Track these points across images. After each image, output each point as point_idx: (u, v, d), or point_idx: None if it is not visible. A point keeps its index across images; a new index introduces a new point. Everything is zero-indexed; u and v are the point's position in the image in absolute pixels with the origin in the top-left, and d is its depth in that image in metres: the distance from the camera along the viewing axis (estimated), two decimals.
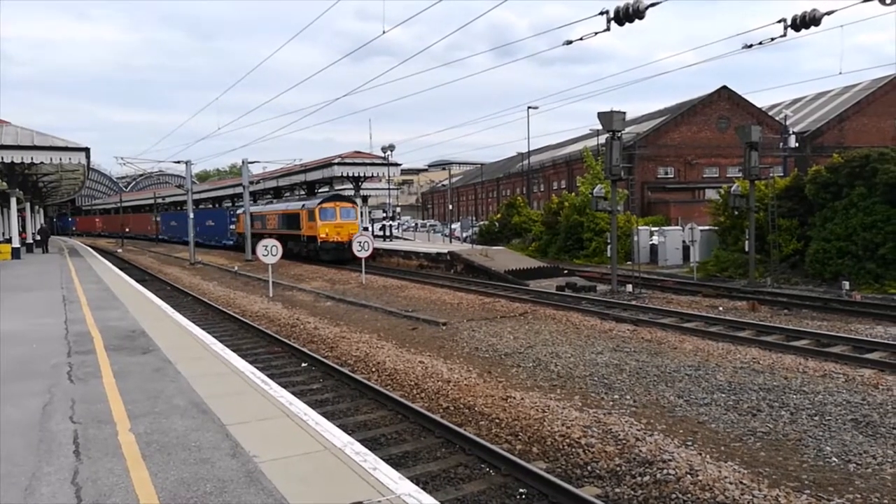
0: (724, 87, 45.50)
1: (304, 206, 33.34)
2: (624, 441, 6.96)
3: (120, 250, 49.65)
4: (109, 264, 28.23)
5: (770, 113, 47.32)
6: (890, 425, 7.35)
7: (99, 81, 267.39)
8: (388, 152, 38.60)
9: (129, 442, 5.33)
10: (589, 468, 6.51)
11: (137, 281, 21.37)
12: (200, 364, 8.38)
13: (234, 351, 9.94)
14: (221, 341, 10.83)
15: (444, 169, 77.99)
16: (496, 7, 21.76)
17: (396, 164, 38.46)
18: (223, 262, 34.63)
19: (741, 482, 5.91)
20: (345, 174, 35.15)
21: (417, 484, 6.21)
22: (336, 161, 35.02)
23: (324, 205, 31.53)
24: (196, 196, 53.73)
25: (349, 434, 6.56)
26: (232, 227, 43.51)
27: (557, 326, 13.82)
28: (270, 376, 9.16)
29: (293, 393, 8.05)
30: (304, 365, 11.20)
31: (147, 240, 65.96)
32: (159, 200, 68.16)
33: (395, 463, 6.73)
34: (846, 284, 17.70)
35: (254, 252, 25.43)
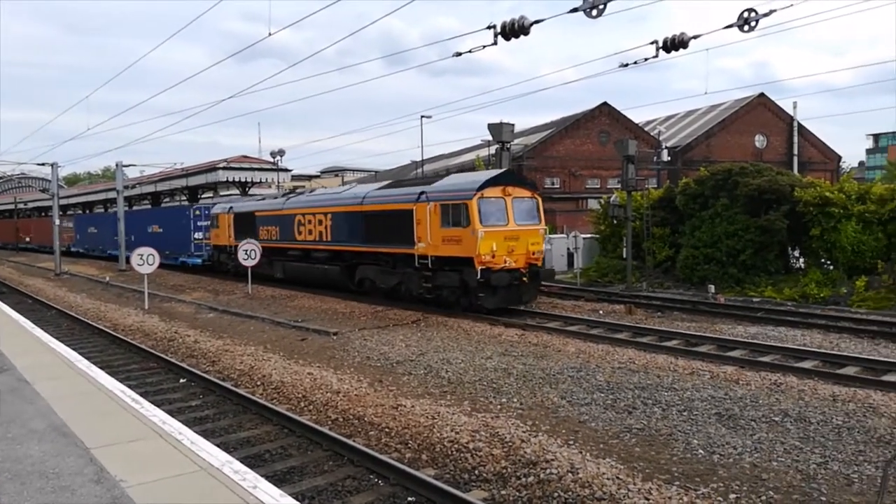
0: (605, 104, 48.07)
1: (423, 194, 16.61)
2: (510, 443, 7.11)
3: None
4: None
5: (646, 128, 50.54)
6: (749, 417, 8.00)
7: None
8: (278, 157, 37.54)
9: None
10: (476, 472, 6.61)
11: None
12: (63, 383, 7.74)
13: (102, 368, 9.29)
14: (89, 358, 10.07)
15: (336, 175, 76.86)
16: (387, 16, 21.72)
17: (286, 170, 37.41)
18: (94, 272, 32.16)
19: (618, 477, 6.20)
20: (230, 179, 33.61)
21: (301, 500, 6.06)
22: (221, 165, 33.42)
23: (486, 191, 15.46)
24: (63, 201, 49.75)
25: (229, 452, 6.33)
26: (199, 235, 29.21)
27: (449, 333, 13.95)
28: (143, 394, 8.68)
29: (168, 411, 7.65)
30: (182, 381, 10.62)
31: (5, 249, 59.61)
32: (21, 205, 62.41)
33: (280, 479, 6.53)
34: (712, 288, 19.19)
35: (128, 261, 23.78)
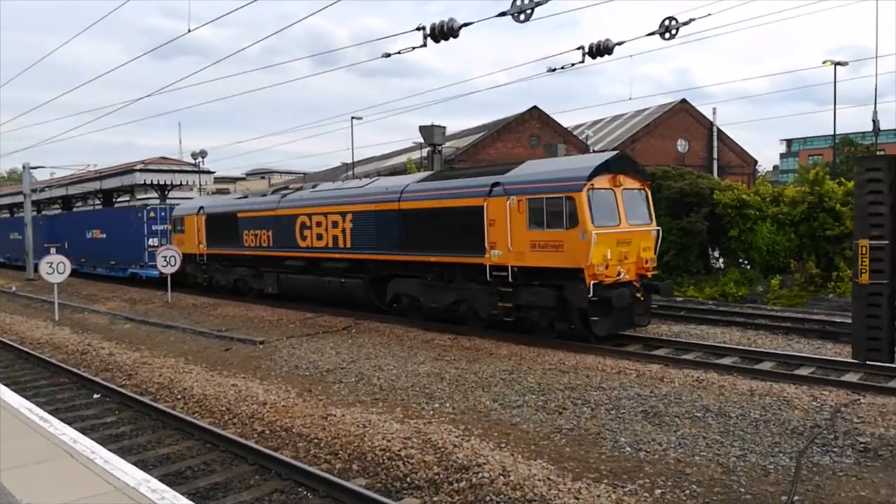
0: (535, 108, 48.95)
1: (496, 185, 13.01)
2: (442, 449, 7.05)
3: None
4: None
5: (574, 132, 51.80)
6: (673, 414, 8.23)
7: None
8: (200, 159, 36.29)
9: None
10: (408, 479, 6.51)
11: None
12: None
13: (7, 385, 8.70)
14: None
15: (263, 178, 74.95)
16: (313, 15, 20.50)
17: (209, 172, 35.98)
18: (0, 282, 30.11)
19: (548, 478, 6.24)
20: (149, 182, 32.01)
21: None
22: (138, 168, 31.77)
23: (597, 180, 12.08)
24: None
25: (147, 470, 6.04)
26: (155, 241, 24.98)
27: (381, 339, 13.77)
28: (53, 412, 8.21)
29: (80, 429, 7.26)
30: (96, 396, 10.03)
31: None
32: None
33: (202, 496, 6.26)
34: None
35: (36, 269, 22.24)
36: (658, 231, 13.32)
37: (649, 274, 12.78)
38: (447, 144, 34.84)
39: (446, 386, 9.84)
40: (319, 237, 17.08)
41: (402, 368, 10.98)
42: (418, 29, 12.94)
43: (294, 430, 7.97)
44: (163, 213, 25.92)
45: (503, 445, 7.26)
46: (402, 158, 50.04)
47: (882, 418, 7.79)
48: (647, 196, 13.30)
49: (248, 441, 7.56)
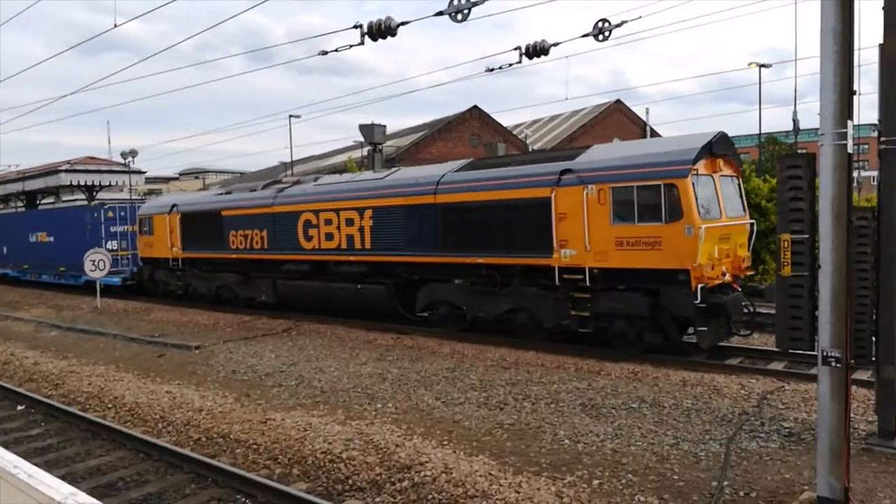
0: (475, 107, 49.29)
1: (567, 172, 11.13)
2: (385, 449, 7.03)
3: None
4: None
5: (514, 132, 52.44)
6: (609, 406, 8.45)
7: None
8: (130, 158, 34.91)
9: None
10: (350, 481, 6.46)
11: None
12: None
13: None
14: None
15: (197, 178, 72.68)
16: (248, 10, 19.24)
17: (140, 172, 34.60)
18: None
19: (490, 474, 6.30)
20: (75, 183, 30.45)
21: None
22: (64, 168, 30.19)
23: (701, 165, 10.31)
24: None
25: (76, 483, 5.79)
26: (115, 244, 22.83)
27: (322, 340, 13.59)
28: None
29: (2, 443, 6.84)
30: (20, 408, 9.54)
31: None
32: None
33: None
34: None
35: None
36: (752, 225, 11.72)
37: (743, 275, 11.26)
38: (388, 143, 34.71)
39: (389, 386, 9.80)
40: (329, 237, 14.83)
41: (343, 370, 10.87)
42: (356, 27, 12.83)
43: (232, 437, 7.79)
44: (123, 213, 23.18)
45: (445, 443, 7.29)
46: (343, 157, 49.48)
47: (805, 404, 8.21)
48: (739, 184, 11.80)
49: (184, 449, 7.35)
